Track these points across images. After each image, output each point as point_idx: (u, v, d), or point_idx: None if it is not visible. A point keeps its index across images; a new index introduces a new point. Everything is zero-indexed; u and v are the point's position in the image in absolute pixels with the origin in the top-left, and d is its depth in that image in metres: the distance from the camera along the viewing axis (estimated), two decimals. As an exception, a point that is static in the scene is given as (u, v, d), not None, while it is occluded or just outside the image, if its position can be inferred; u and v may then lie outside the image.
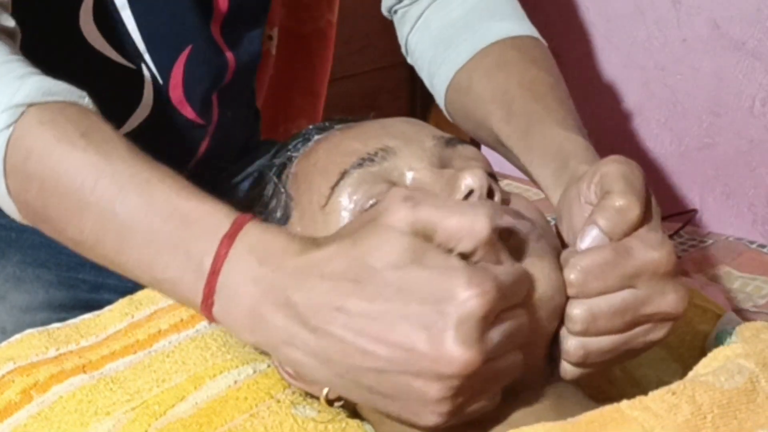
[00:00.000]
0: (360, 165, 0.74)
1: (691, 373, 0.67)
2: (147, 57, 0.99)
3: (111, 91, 0.99)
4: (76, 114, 0.71)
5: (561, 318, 0.69)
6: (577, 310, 0.67)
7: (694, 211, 1.76)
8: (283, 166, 0.79)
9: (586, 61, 1.89)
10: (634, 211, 0.67)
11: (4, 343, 0.80)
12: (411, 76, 2.05)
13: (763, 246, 1.69)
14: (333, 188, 0.73)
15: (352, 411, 0.76)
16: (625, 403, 0.62)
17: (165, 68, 1.00)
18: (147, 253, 0.66)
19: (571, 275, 0.67)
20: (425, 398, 0.60)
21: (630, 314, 0.67)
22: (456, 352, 0.57)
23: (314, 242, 0.62)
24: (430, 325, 0.58)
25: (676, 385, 0.63)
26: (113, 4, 0.96)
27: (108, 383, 0.76)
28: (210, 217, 0.64)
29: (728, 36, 1.70)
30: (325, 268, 0.60)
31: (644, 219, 0.68)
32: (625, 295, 0.67)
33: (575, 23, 1.90)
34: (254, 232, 0.63)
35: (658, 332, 0.70)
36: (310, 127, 0.82)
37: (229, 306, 0.63)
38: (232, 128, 1.12)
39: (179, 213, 0.65)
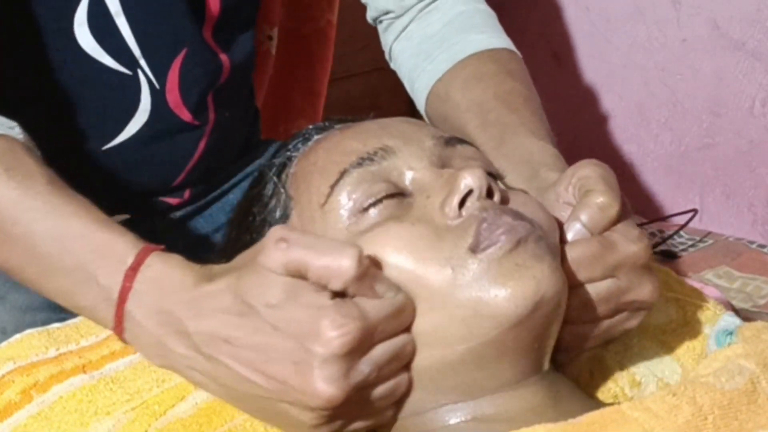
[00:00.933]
0: (359, 164, 0.74)
1: (691, 374, 0.67)
2: (143, 62, 0.99)
3: (109, 98, 0.99)
4: (3, 148, 0.77)
5: (561, 315, 0.70)
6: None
7: (694, 211, 1.76)
8: (283, 166, 0.79)
9: (586, 61, 1.90)
10: (614, 208, 0.72)
11: (4, 343, 0.80)
12: (411, 76, 2.05)
13: (763, 246, 1.69)
14: (332, 187, 0.73)
15: (352, 411, 0.76)
16: (626, 405, 0.62)
17: (161, 73, 1.01)
18: (65, 283, 0.73)
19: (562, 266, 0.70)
20: (303, 424, 0.66)
21: (613, 302, 0.73)
22: (320, 388, 0.63)
23: (208, 275, 0.69)
24: (298, 362, 0.63)
25: (676, 386, 0.64)
26: (108, 11, 0.96)
27: (108, 383, 0.76)
28: (116, 249, 0.71)
29: (728, 36, 1.70)
30: (214, 302, 0.67)
31: (621, 216, 0.73)
32: (609, 284, 0.72)
33: (575, 23, 1.90)
34: (155, 265, 0.70)
35: (634, 320, 0.75)
36: (310, 127, 0.82)
37: (136, 334, 0.70)
38: (230, 128, 1.12)
39: (90, 246, 0.72)
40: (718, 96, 1.74)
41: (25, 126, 0.86)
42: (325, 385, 0.63)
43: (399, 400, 0.70)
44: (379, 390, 0.68)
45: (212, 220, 1.15)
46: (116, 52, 0.98)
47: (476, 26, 1.06)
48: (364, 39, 1.79)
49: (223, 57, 1.05)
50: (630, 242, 0.72)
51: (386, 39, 1.13)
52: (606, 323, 0.74)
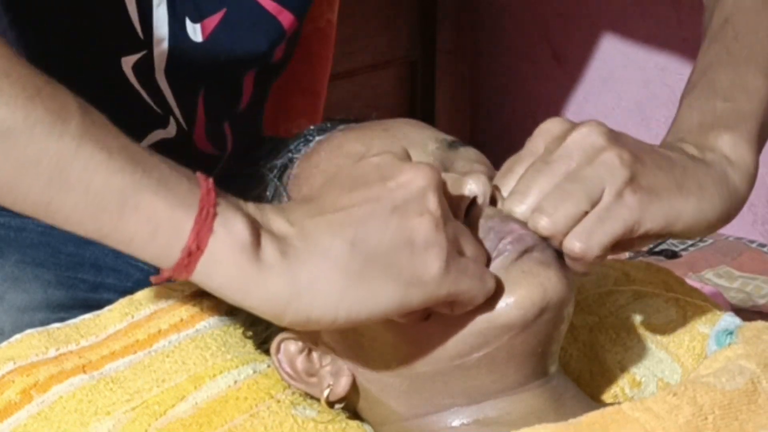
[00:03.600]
0: None
1: (692, 374, 0.67)
2: (177, 112, 1.01)
3: (139, 113, 1.02)
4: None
5: (566, 321, 0.70)
6: (543, 222, 0.67)
7: (694, 211, 1.76)
8: (285, 168, 0.79)
9: (586, 61, 1.90)
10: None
11: (4, 343, 0.80)
12: (411, 76, 2.05)
13: (763, 246, 1.69)
14: None
15: (353, 412, 0.76)
16: (626, 405, 0.63)
17: (191, 116, 1.03)
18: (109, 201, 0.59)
19: (541, 222, 0.67)
20: (420, 233, 0.61)
21: (584, 192, 0.66)
22: (415, 169, 0.62)
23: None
24: (383, 170, 0.62)
25: (677, 387, 0.64)
26: (153, 69, 0.98)
27: (108, 383, 0.76)
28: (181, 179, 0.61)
29: (728, 36, 1.70)
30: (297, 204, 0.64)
31: None
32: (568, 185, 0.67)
33: (575, 23, 1.90)
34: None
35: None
36: (311, 127, 0.82)
37: (221, 257, 0.58)
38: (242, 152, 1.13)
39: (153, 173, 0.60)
40: (718, 96, 1.74)
41: None
42: (415, 165, 0.62)
43: (400, 403, 0.71)
44: (474, 267, 0.64)
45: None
46: (153, 96, 1.00)
47: None
48: (364, 39, 1.79)
49: (246, 84, 1.06)
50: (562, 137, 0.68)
51: None
52: (598, 212, 0.66)
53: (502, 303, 0.67)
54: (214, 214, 0.59)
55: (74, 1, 0.93)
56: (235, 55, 1.00)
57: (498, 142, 2.14)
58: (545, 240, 0.69)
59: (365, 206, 0.61)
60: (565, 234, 0.66)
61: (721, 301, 1.09)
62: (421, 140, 0.76)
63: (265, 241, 0.59)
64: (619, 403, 0.66)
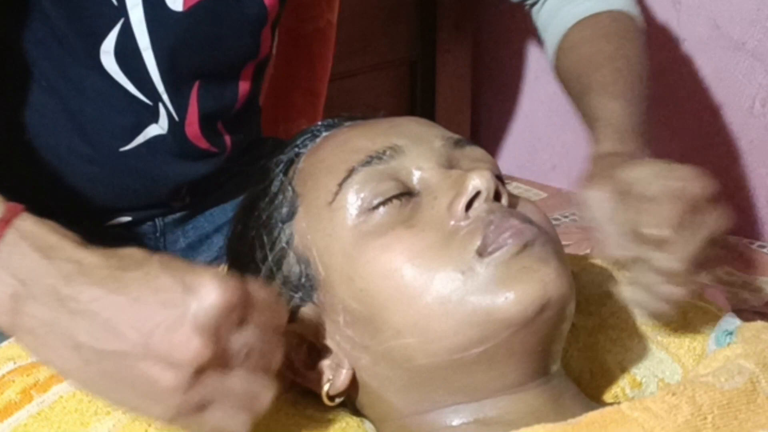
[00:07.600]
0: (368, 162, 0.73)
1: (691, 374, 0.67)
2: (165, 98, 1.00)
3: (128, 111, 1.01)
4: None
5: (568, 320, 0.70)
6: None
7: (694, 211, 1.76)
8: (290, 162, 0.79)
9: (586, 61, 1.89)
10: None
11: (5, 342, 0.80)
12: (411, 76, 2.05)
13: (763, 246, 1.69)
14: (340, 185, 0.73)
15: (353, 409, 0.76)
16: (625, 404, 0.63)
17: (181, 107, 1.02)
18: None
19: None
20: (159, 385, 0.61)
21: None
22: (189, 339, 0.59)
23: (83, 242, 0.65)
24: (171, 309, 0.60)
25: (676, 386, 0.64)
26: (136, 45, 0.97)
27: (108, 383, 0.76)
28: None
29: (728, 36, 1.70)
30: (87, 260, 0.63)
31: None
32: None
33: (575, 23, 1.89)
34: (29, 220, 0.64)
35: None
36: (318, 123, 0.82)
37: None
38: (242, 148, 1.13)
39: None
40: (718, 96, 1.74)
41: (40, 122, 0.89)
42: (195, 336, 0.59)
43: (400, 398, 0.71)
44: (242, 382, 0.63)
45: (213, 219, 1.15)
46: (139, 83, 1.00)
47: None
48: (364, 39, 1.79)
49: (242, 84, 1.06)
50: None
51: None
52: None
53: (502, 298, 0.67)
54: None
55: None
56: (218, 28, 1.00)
57: (498, 142, 2.14)
58: (546, 234, 0.70)
59: (127, 336, 0.61)
60: None
61: (721, 301, 1.09)
62: (427, 137, 0.76)
63: (22, 316, 0.63)
64: (619, 403, 0.66)
